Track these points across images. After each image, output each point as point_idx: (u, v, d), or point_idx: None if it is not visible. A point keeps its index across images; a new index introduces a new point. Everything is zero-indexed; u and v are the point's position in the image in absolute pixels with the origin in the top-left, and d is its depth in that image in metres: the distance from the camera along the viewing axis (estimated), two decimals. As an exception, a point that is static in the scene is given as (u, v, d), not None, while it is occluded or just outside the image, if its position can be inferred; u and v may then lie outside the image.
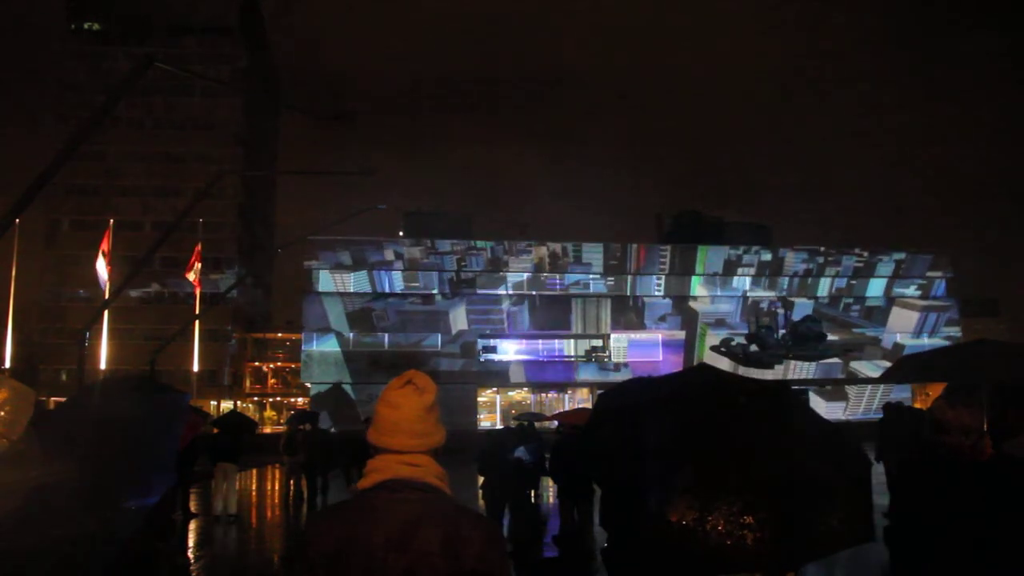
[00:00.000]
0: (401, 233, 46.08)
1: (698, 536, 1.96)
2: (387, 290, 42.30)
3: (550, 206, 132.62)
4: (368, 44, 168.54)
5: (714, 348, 44.15)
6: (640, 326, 44.10)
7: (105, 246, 23.71)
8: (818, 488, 2.06)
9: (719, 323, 44.80)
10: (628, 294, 44.27)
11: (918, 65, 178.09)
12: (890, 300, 47.00)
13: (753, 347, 44.25)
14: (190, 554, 10.41)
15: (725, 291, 45.52)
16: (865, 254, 47.43)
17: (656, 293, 44.83)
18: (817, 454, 2.18)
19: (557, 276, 43.99)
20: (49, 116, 67.96)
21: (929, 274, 47.97)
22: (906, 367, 4.40)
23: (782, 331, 44.84)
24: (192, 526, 12.45)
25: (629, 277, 44.48)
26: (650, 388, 2.57)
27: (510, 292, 43.05)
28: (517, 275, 43.49)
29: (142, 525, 2.58)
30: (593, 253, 44.49)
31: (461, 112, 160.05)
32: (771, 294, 45.88)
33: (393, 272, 42.56)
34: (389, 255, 42.80)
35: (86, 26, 71.11)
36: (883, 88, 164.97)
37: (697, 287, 45.30)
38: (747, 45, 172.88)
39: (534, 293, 43.25)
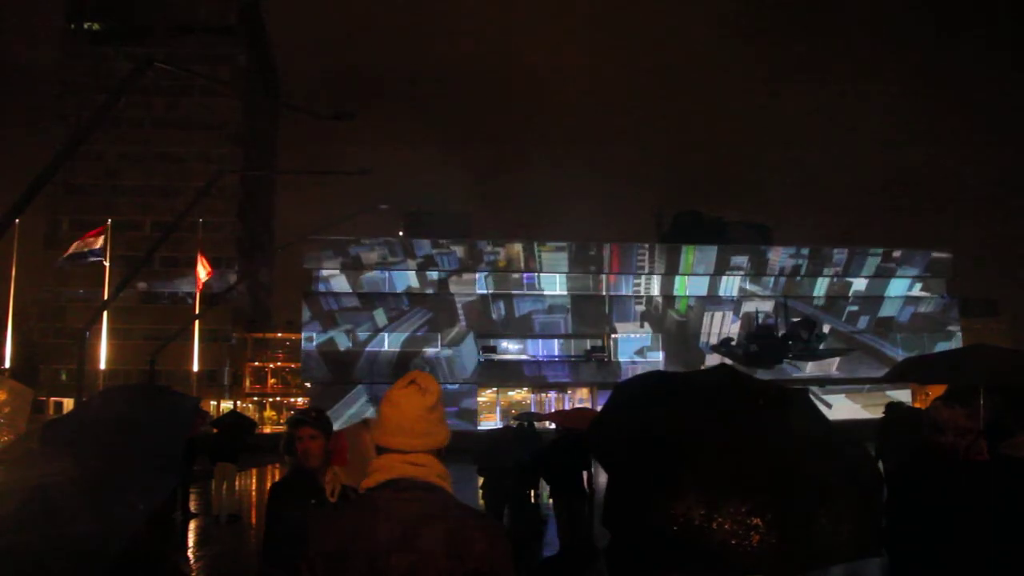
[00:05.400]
0: (401, 232, 46.11)
1: (705, 535, 1.97)
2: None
3: (551, 205, 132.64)
4: (369, 43, 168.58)
5: (714, 348, 44.10)
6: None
7: (95, 243, 23.62)
8: (829, 497, 2.06)
9: None
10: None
11: (918, 65, 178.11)
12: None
13: (753, 347, 44.21)
14: (190, 554, 10.42)
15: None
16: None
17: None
18: (830, 463, 2.17)
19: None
20: (49, 116, 67.90)
21: (926, 276, 47.92)
22: (906, 368, 4.43)
23: (782, 331, 44.81)
24: (192, 526, 12.45)
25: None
26: (669, 383, 2.57)
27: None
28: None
29: (144, 525, 2.59)
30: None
31: (460, 111, 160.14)
32: (768, 295, 45.75)
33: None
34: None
35: (86, 26, 71.12)
36: (883, 88, 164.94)
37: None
38: (747, 44, 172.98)
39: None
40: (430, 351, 41.72)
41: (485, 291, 43.45)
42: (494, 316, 43.03)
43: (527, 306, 43.51)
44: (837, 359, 44.78)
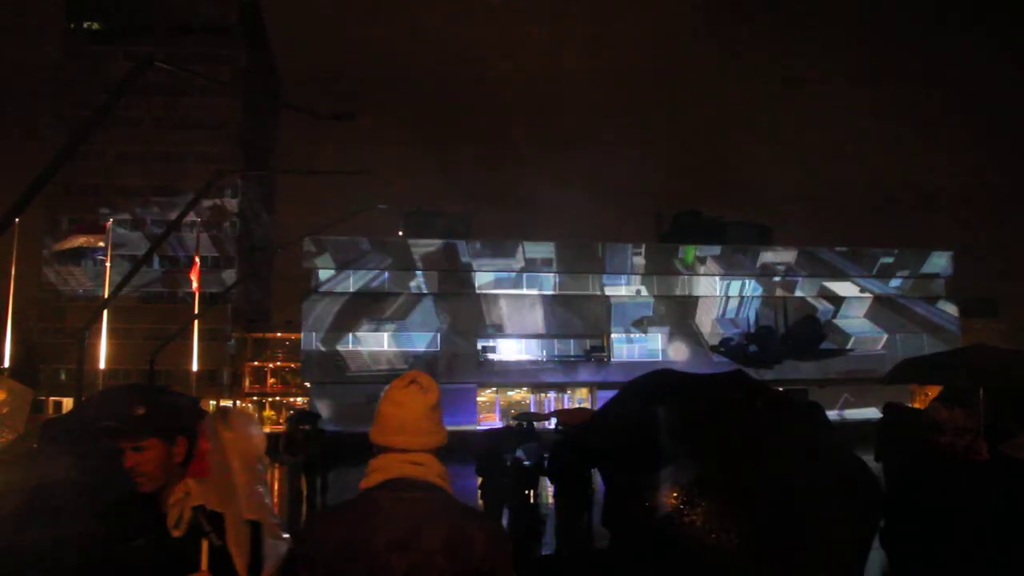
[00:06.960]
0: (401, 232, 46.09)
1: (692, 543, 1.96)
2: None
3: (550, 205, 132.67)
4: (368, 43, 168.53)
5: (713, 348, 44.11)
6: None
7: (92, 241, 23.62)
8: (822, 515, 2.05)
9: None
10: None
11: (918, 65, 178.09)
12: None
13: (752, 347, 44.20)
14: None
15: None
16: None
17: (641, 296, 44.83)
18: (831, 483, 2.16)
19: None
20: (49, 116, 67.86)
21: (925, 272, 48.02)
22: (906, 368, 4.45)
23: (782, 331, 44.80)
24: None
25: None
26: (673, 385, 2.55)
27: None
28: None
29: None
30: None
31: (460, 111, 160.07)
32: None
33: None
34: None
35: (85, 25, 71.07)
36: (884, 88, 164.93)
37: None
38: (748, 44, 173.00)
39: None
40: (429, 350, 41.71)
41: (484, 291, 43.44)
42: (494, 316, 43.00)
43: (526, 306, 43.50)
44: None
